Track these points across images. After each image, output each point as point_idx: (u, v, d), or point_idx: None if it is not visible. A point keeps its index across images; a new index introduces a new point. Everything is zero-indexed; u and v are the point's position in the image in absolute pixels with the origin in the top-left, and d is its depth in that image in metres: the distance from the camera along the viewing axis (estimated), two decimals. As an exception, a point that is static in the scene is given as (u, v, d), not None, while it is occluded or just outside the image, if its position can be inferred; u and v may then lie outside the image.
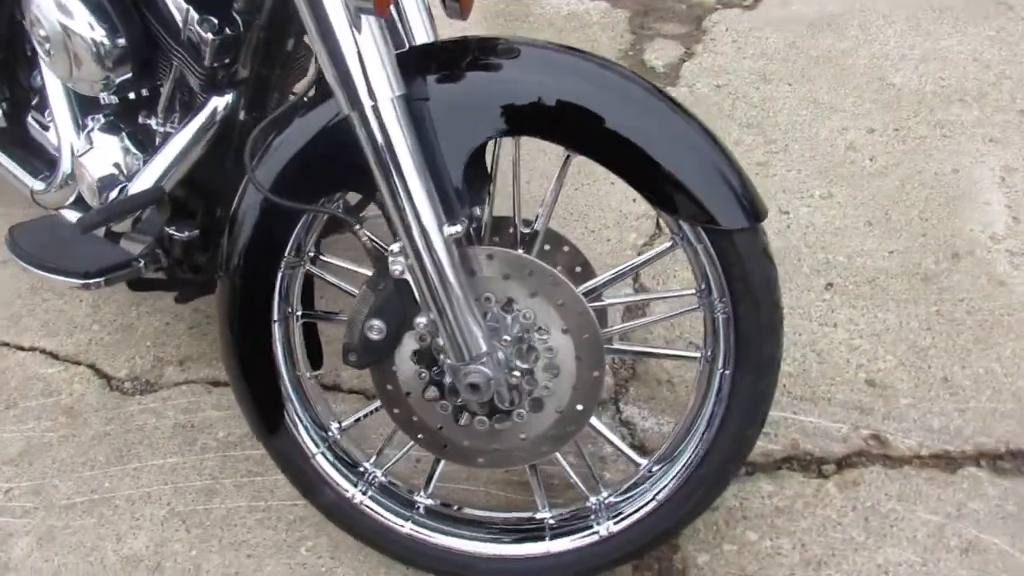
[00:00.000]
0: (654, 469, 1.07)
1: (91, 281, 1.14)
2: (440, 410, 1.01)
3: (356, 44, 0.83)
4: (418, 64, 0.93)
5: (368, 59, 0.84)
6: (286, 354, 1.08)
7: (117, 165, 1.20)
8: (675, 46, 2.16)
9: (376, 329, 0.96)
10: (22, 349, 1.53)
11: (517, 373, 0.96)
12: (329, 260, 1.07)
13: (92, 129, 1.24)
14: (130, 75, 1.16)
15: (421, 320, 0.93)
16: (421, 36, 1.07)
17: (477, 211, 0.96)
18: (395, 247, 0.91)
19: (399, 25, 1.05)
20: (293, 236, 1.00)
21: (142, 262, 1.20)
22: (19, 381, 1.47)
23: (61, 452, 1.34)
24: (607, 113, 0.89)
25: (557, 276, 0.94)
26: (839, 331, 1.42)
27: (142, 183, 1.15)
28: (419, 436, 1.05)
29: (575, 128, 0.90)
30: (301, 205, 0.97)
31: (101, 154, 1.21)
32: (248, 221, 0.99)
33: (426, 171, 0.88)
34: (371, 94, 0.84)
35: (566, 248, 1.13)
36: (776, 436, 1.27)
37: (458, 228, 0.89)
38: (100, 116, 1.24)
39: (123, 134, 1.21)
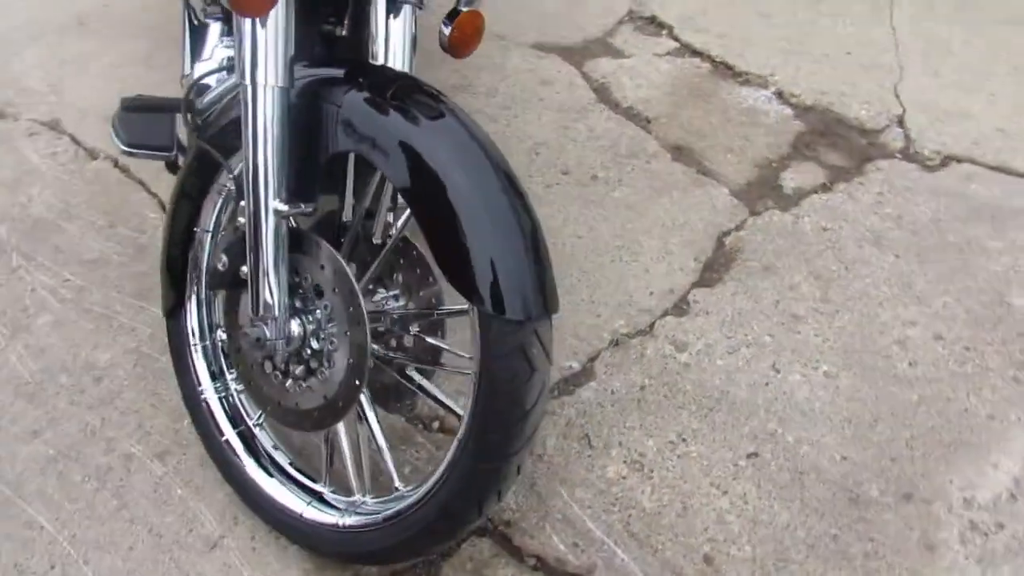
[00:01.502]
0: (405, 492, 1.15)
1: (127, 149, 1.46)
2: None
3: (253, 32, 1.01)
4: (345, 77, 1.08)
5: (264, 48, 1.02)
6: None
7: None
8: (820, 176, 2.04)
9: (221, 263, 1.15)
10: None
11: (292, 345, 1.10)
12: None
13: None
14: None
15: (243, 270, 1.11)
16: (397, 62, 1.21)
17: (312, 206, 1.09)
18: (242, 203, 1.09)
19: (378, 46, 1.19)
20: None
21: (174, 153, 1.49)
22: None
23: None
24: (437, 171, 0.98)
25: (349, 281, 1.06)
26: (723, 499, 1.34)
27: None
28: (238, 366, 1.23)
29: (409, 175, 1.00)
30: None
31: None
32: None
33: (283, 154, 1.04)
34: (252, 76, 1.02)
35: (414, 254, 1.20)
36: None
37: (285, 207, 1.05)
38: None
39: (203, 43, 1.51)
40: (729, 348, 1.59)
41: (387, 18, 1.19)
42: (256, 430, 1.31)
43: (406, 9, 1.19)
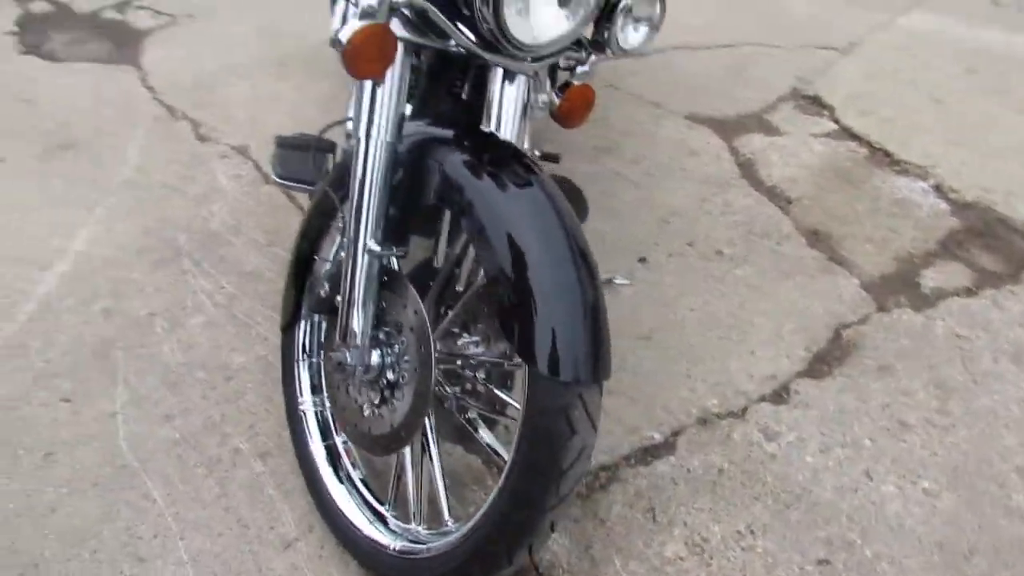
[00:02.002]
0: (451, 528, 1.21)
1: (278, 180, 1.65)
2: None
3: (368, 92, 1.14)
4: (452, 139, 1.19)
5: (376, 107, 1.14)
6: None
7: None
8: (966, 278, 1.91)
9: (323, 289, 1.28)
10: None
11: (372, 372, 1.20)
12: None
13: None
14: None
15: (338, 299, 1.23)
16: (507, 127, 1.30)
17: (403, 251, 1.20)
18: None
19: (492, 110, 1.29)
20: None
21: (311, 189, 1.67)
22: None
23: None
24: (512, 235, 1.05)
25: (424, 323, 1.15)
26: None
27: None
28: (328, 386, 1.35)
29: (487, 234, 1.07)
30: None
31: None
32: None
33: (382, 202, 1.16)
34: (364, 130, 1.15)
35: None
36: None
37: (378, 248, 1.16)
38: None
39: None
40: (822, 446, 1.53)
41: (502, 86, 1.27)
42: (341, 447, 1.43)
43: (520, 79, 1.27)
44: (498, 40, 1.09)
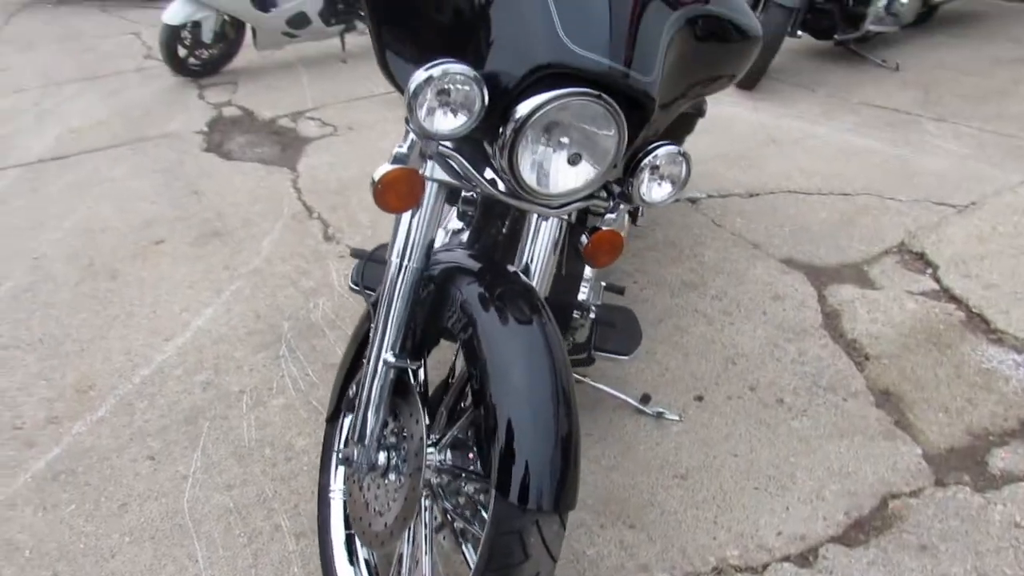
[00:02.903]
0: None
1: (352, 287, 1.85)
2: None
3: (407, 221, 1.30)
4: (476, 271, 1.32)
5: (411, 234, 1.30)
6: None
7: None
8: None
9: (353, 390, 1.43)
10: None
11: (376, 471, 1.31)
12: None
13: None
14: None
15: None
16: (537, 263, 1.41)
17: (417, 364, 1.32)
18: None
19: (526, 247, 1.41)
20: None
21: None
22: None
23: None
24: (501, 364, 1.16)
25: (422, 434, 1.26)
26: None
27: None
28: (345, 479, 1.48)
29: (478, 359, 1.19)
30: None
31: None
32: None
33: (402, 319, 1.30)
34: (399, 254, 1.30)
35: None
36: None
37: (393, 360, 1.30)
38: None
39: None
40: (836, 618, 1.46)
41: (537, 225, 1.40)
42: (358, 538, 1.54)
43: (553, 221, 1.39)
44: (515, 189, 1.23)
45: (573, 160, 1.20)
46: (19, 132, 4.24)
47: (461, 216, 1.72)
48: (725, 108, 3.93)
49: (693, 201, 3.07)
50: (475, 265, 1.35)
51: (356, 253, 1.83)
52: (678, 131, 2.46)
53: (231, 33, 4.94)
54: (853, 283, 2.52)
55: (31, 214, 3.26)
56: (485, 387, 1.16)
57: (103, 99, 4.72)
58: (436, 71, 1.10)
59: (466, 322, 1.23)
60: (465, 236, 1.68)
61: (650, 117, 1.22)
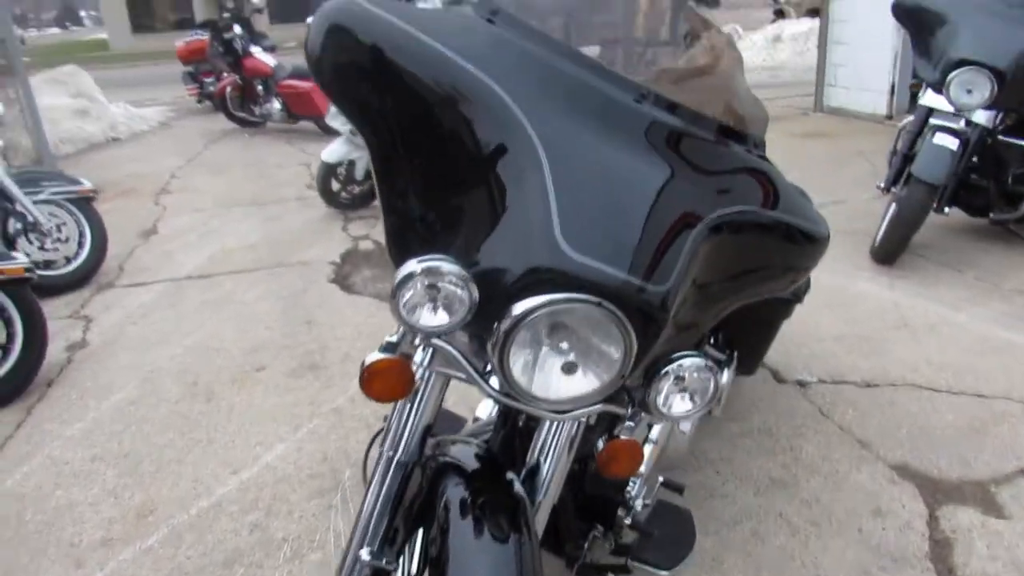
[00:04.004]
0: None
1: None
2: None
3: (401, 410, 1.25)
4: (471, 473, 1.25)
5: (401, 425, 1.24)
6: None
7: None
8: None
9: None
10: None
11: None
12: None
13: None
14: None
15: None
16: (546, 465, 1.31)
17: (393, 566, 1.22)
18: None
19: (535, 448, 1.31)
20: None
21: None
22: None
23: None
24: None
25: None
26: None
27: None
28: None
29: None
30: None
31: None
32: None
33: (384, 511, 1.23)
34: (390, 445, 1.24)
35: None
36: None
37: (367, 558, 1.22)
38: None
39: None
40: None
41: (550, 425, 1.31)
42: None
43: (566, 428, 1.29)
44: (510, 392, 1.15)
45: (568, 369, 1.11)
46: (182, 249, 4.69)
47: None
48: (856, 282, 3.67)
49: (802, 385, 2.82)
50: (472, 465, 1.27)
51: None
52: (770, 318, 2.30)
53: (381, 172, 5.29)
54: (975, 506, 2.17)
55: (162, 328, 3.53)
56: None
57: (261, 223, 5.15)
58: (422, 266, 1.07)
59: (442, 527, 1.15)
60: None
61: (660, 330, 1.11)
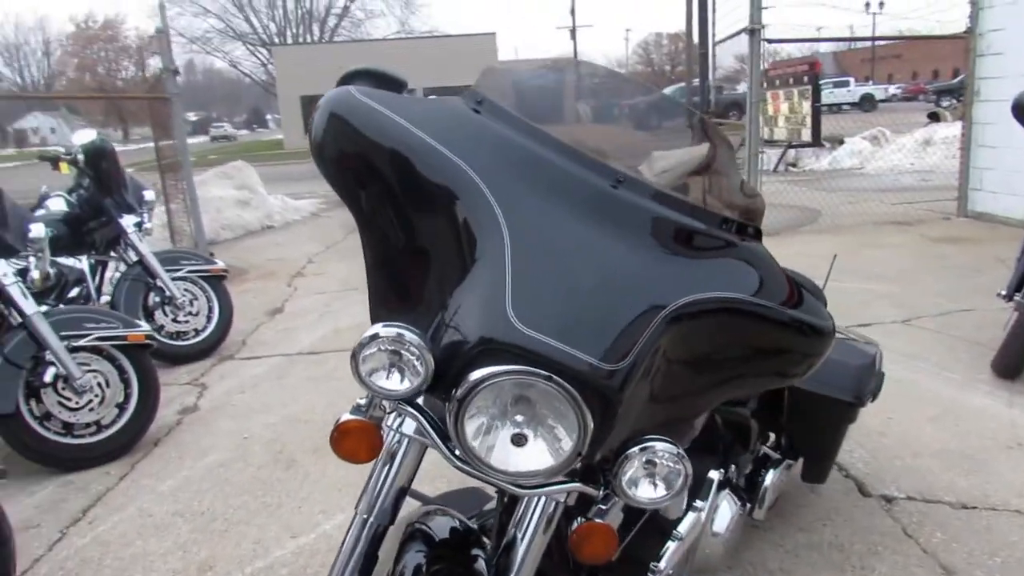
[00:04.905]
0: None
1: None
2: None
3: (376, 471, 1.29)
4: (439, 544, 1.28)
5: (374, 486, 1.29)
6: None
7: None
8: None
9: None
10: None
11: None
12: None
13: None
14: None
15: None
16: (521, 548, 1.30)
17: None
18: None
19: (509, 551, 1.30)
20: None
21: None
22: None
23: None
24: None
25: None
26: None
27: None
28: None
29: None
30: None
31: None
32: None
33: (353, 572, 1.27)
34: (365, 507, 1.29)
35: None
36: None
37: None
38: None
39: None
40: None
41: (523, 511, 1.29)
42: None
43: (540, 506, 1.28)
44: (470, 461, 1.17)
45: (517, 441, 1.12)
46: (301, 328, 5.02)
47: None
48: (969, 395, 3.38)
49: (888, 500, 2.61)
50: (442, 535, 1.30)
51: None
52: (830, 421, 2.18)
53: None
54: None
55: (266, 398, 3.78)
56: None
57: (377, 307, 5.43)
58: (382, 331, 1.14)
59: None
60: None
61: (615, 408, 1.11)
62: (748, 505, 1.97)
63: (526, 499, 1.30)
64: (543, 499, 1.28)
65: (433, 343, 1.15)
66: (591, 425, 1.09)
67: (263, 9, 43.68)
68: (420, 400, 1.25)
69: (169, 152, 7.13)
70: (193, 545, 2.51)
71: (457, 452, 1.21)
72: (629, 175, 1.25)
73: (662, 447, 1.21)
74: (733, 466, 1.98)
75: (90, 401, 3.13)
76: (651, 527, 1.74)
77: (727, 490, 1.90)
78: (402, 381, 1.17)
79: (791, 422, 2.26)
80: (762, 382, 1.41)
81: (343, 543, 1.30)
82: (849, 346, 2.27)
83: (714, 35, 9.33)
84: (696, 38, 19.02)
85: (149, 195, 4.42)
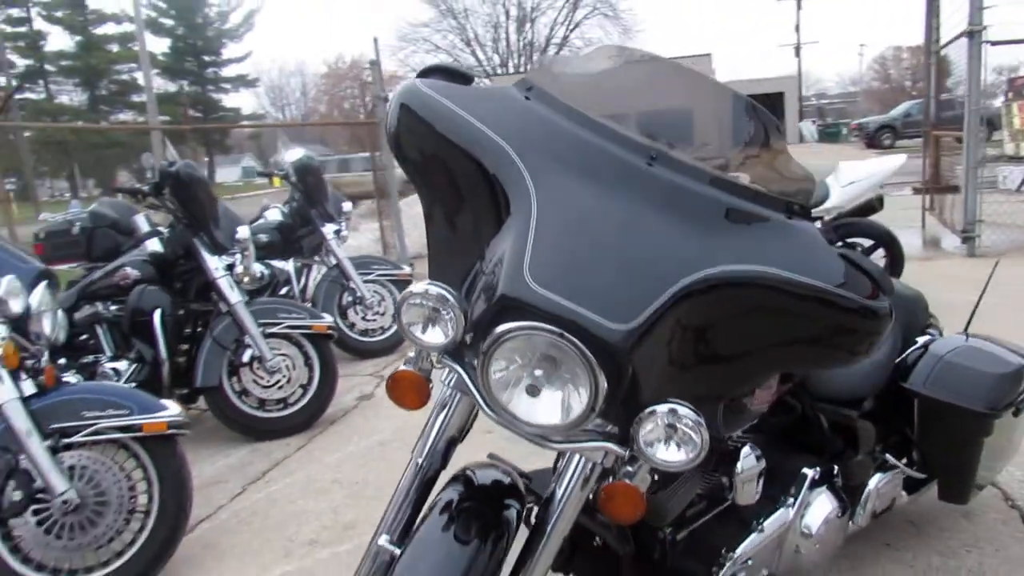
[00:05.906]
0: None
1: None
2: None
3: (431, 418, 1.44)
4: (468, 487, 1.40)
5: (427, 432, 1.44)
6: None
7: None
8: None
9: None
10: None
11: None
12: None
13: None
14: None
15: None
16: (561, 504, 1.38)
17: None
18: None
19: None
20: None
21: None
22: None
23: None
24: None
25: None
26: None
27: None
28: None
29: None
30: None
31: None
32: None
33: (401, 504, 1.43)
34: (418, 449, 1.44)
35: None
36: None
37: (385, 544, 1.41)
38: None
39: None
40: None
41: (568, 457, 1.37)
42: None
43: (579, 465, 1.36)
44: (496, 411, 1.28)
45: (531, 392, 1.21)
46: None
47: None
48: None
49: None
50: (484, 482, 1.41)
51: None
52: (961, 434, 2.03)
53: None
54: None
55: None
56: None
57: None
58: (418, 288, 1.29)
59: (423, 518, 1.32)
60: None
61: (623, 366, 1.17)
62: (848, 509, 1.88)
63: (566, 459, 1.39)
64: (581, 459, 1.36)
65: (467, 301, 1.28)
66: (603, 383, 1.16)
67: (488, 43, 46.23)
68: (467, 358, 1.39)
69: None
70: (344, 508, 2.81)
71: (490, 404, 1.33)
72: (663, 151, 1.32)
73: (683, 411, 1.23)
74: (836, 467, 1.91)
75: (279, 381, 3.59)
76: (731, 515, 1.73)
77: (824, 488, 1.84)
78: (442, 335, 1.32)
79: (920, 432, 2.11)
80: (807, 361, 1.39)
81: (398, 484, 1.46)
82: (989, 354, 2.08)
83: (937, 40, 8.54)
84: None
85: (347, 206, 4.95)
